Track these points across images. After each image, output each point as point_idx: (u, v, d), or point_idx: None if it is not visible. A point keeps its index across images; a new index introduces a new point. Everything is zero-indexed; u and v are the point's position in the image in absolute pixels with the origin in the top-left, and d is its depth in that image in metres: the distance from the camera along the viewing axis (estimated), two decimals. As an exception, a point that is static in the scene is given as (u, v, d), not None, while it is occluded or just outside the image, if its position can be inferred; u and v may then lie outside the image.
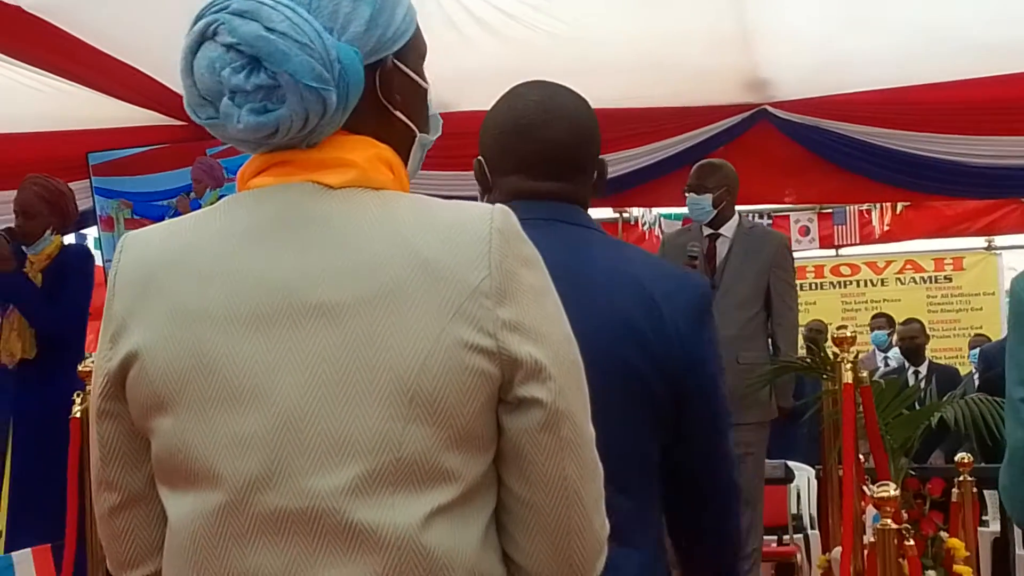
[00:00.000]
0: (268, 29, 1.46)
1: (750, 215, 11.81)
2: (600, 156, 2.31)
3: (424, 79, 1.65)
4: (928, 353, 10.68)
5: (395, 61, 1.58)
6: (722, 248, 6.24)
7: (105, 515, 1.61)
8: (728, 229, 6.29)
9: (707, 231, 6.29)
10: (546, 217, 2.12)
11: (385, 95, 1.57)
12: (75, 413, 4.51)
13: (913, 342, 10.14)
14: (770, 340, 6.32)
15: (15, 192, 6.24)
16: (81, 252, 6.41)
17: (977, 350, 10.97)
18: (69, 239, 6.35)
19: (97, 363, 1.55)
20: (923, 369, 9.99)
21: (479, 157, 2.28)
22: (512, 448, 1.47)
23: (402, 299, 1.42)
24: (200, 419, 1.44)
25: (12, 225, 6.02)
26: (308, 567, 1.41)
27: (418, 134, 1.63)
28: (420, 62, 1.65)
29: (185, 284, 1.47)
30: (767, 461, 7.02)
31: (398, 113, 1.59)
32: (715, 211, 6.21)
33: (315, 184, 1.50)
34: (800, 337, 9.59)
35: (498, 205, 1.51)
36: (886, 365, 10.55)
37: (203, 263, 1.48)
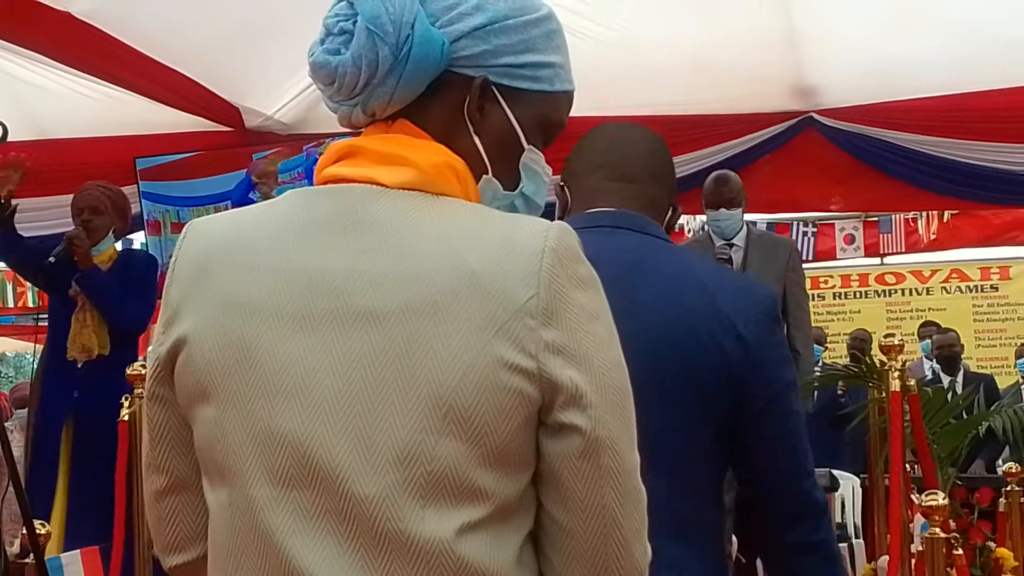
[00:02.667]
0: None
1: (795, 223, 11.81)
2: (674, 190, 2.40)
3: (528, 139, 1.61)
4: (974, 363, 10.59)
5: (493, 86, 1.57)
6: (736, 257, 6.26)
7: (152, 497, 1.63)
8: (740, 239, 6.31)
9: (719, 241, 6.31)
10: (616, 224, 2.17)
11: (468, 109, 1.56)
12: (123, 416, 4.54)
13: (951, 350, 10.07)
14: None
15: (65, 197, 6.29)
16: (147, 256, 6.50)
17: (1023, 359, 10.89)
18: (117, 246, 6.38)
19: (151, 348, 1.57)
20: (960, 378, 9.92)
21: (561, 182, 2.34)
22: (550, 472, 1.45)
23: (446, 311, 1.40)
24: (238, 412, 1.44)
25: (83, 222, 6.00)
26: (342, 568, 1.40)
27: (489, 173, 1.59)
28: (536, 122, 1.62)
29: (237, 275, 1.48)
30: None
31: (475, 137, 1.57)
32: (743, 222, 6.24)
33: (372, 185, 1.49)
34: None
35: (558, 222, 1.48)
36: (933, 373, 10.48)
37: (257, 256, 1.48)
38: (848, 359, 8.95)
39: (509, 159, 1.60)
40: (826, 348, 11.55)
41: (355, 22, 1.51)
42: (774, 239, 6.81)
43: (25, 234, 6.22)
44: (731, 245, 6.26)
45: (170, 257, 1.60)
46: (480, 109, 1.56)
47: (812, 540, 2.23)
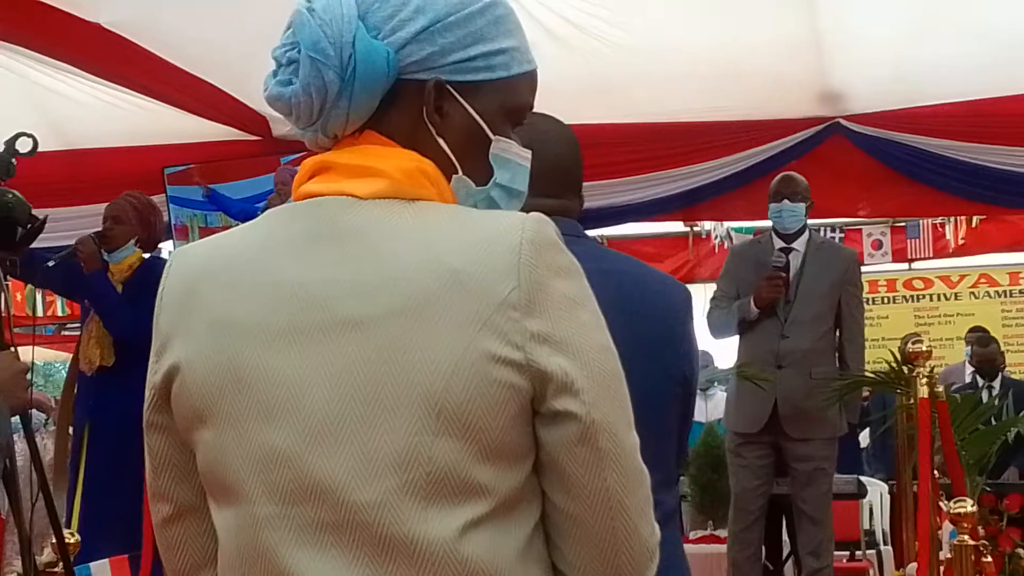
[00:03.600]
0: (309, 8, 1.52)
1: (821, 229, 11.77)
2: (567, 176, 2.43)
3: (494, 129, 1.60)
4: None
5: (449, 86, 1.55)
6: (795, 262, 6.23)
7: (159, 526, 1.64)
8: (800, 243, 6.28)
9: (779, 243, 6.27)
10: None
11: (427, 114, 1.55)
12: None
13: (992, 364, 10.03)
14: (838, 356, 6.29)
15: (93, 207, 6.33)
16: (163, 265, 6.49)
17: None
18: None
19: (148, 378, 1.57)
20: (996, 384, 9.86)
21: None
22: (550, 461, 1.46)
23: (430, 312, 1.41)
24: (235, 432, 1.45)
25: (100, 230, 6.05)
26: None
27: (458, 173, 1.58)
28: (499, 110, 1.61)
29: (222, 296, 1.49)
30: (839, 476, 6.98)
31: (439, 139, 1.56)
32: (805, 221, 6.21)
33: (347, 197, 1.50)
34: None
35: (534, 213, 1.49)
36: (975, 379, 10.43)
37: (240, 276, 1.50)
38: (886, 364, 8.89)
39: (478, 153, 1.60)
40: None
41: (299, 50, 1.52)
42: (836, 248, 6.81)
43: (54, 244, 6.26)
44: (791, 250, 6.24)
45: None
46: (439, 111, 1.56)
47: None
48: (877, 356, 7.21)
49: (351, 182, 1.51)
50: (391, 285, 1.43)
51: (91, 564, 4.50)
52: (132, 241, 6.06)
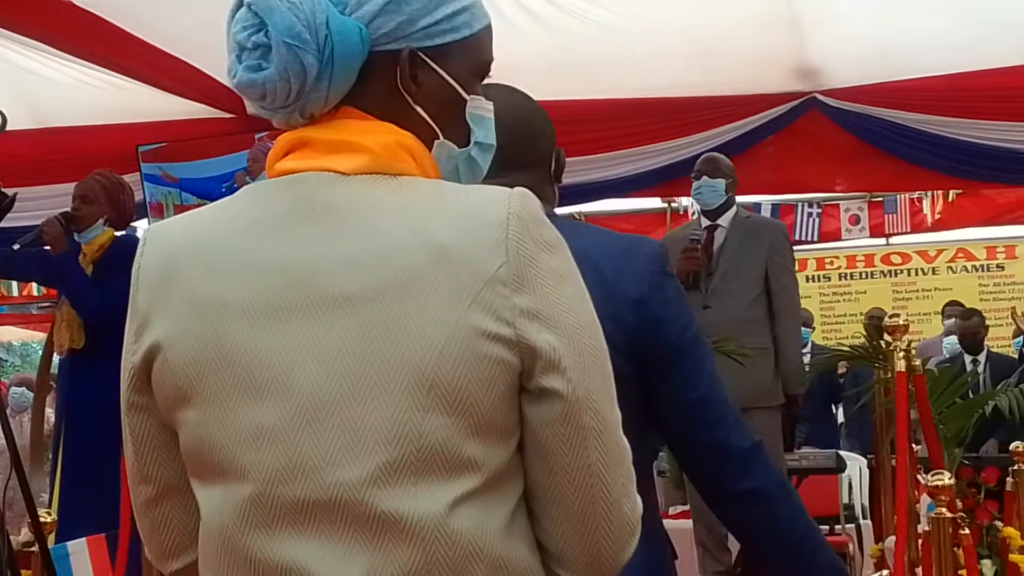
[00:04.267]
0: None
1: (799, 204, 11.79)
2: (554, 148, 2.35)
3: (467, 88, 1.60)
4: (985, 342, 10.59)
5: (421, 54, 1.55)
6: (719, 237, 6.33)
7: (142, 507, 1.62)
8: (725, 219, 6.39)
9: (705, 222, 6.36)
10: None
11: (403, 84, 1.54)
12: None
13: (975, 338, 10.07)
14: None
15: (67, 185, 6.28)
16: (134, 243, 6.43)
17: (1021, 338, 10.88)
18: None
19: (124, 357, 1.55)
20: (981, 358, 9.91)
21: None
22: (534, 438, 1.46)
23: (418, 287, 1.40)
24: (221, 412, 1.44)
25: (68, 210, 6.01)
26: (336, 557, 1.40)
27: (440, 139, 1.58)
28: (468, 69, 1.61)
29: (204, 276, 1.47)
30: (818, 450, 7.00)
31: (417, 108, 1.56)
32: (726, 197, 6.28)
33: (328, 173, 1.49)
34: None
35: (518, 188, 1.49)
36: (951, 353, 10.48)
37: (222, 255, 1.48)
38: (863, 339, 8.91)
39: (457, 116, 1.60)
40: (813, 329, 11.55)
41: (266, 33, 1.49)
42: (760, 222, 6.87)
43: (28, 224, 6.22)
44: (716, 226, 6.32)
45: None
46: (414, 79, 1.55)
47: (738, 489, 2.20)
48: (855, 331, 7.25)
49: (332, 158, 1.50)
50: (378, 261, 1.42)
51: (68, 543, 4.48)
52: (101, 220, 6.00)
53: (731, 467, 2.19)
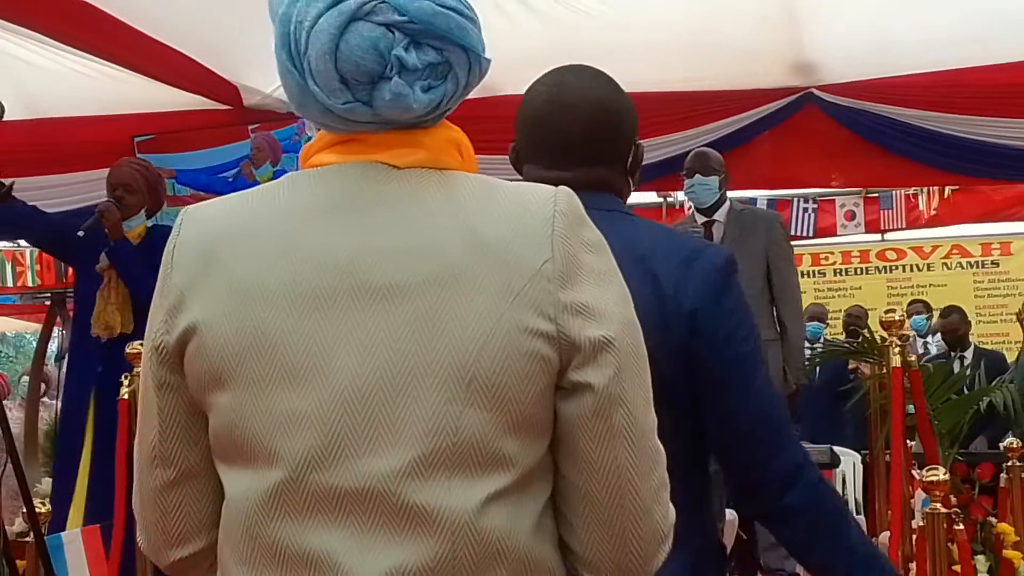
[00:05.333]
0: (440, 6, 1.47)
1: (795, 199, 11.80)
2: (633, 141, 2.30)
3: None
4: (974, 339, 10.58)
5: None
6: (717, 233, 6.31)
7: (157, 491, 1.59)
8: (721, 214, 6.38)
9: (701, 219, 6.33)
10: None
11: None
12: (123, 395, 4.53)
13: (955, 334, 10.05)
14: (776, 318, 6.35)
15: (62, 176, 6.24)
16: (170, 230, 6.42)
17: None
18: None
19: (153, 336, 1.54)
20: (968, 354, 9.91)
21: (513, 144, 2.29)
22: (565, 434, 1.46)
23: (463, 282, 1.41)
24: (257, 396, 1.43)
25: (113, 198, 5.96)
26: (363, 546, 1.40)
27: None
28: None
29: (246, 260, 1.47)
30: (812, 445, 7.00)
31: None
32: (719, 194, 6.25)
33: (381, 164, 1.49)
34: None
35: (562, 187, 1.50)
36: (925, 350, 10.47)
37: (265, 240, 1.47)
38: (844, 336, 8.91)
39: None
40: (827, 325, 11.54)
41: (437, 51, 1.48)
42: (757, 214, 6.85)
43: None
44: (713, 222, 6.30)
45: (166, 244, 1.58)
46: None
47: (780, 506, 2.14)
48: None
49: (387, 153, 1.50)
50: (423, 253, 1.43)
51: (62, 534, 4.48)
52: (143, 210, 6.01)
53: (777, 486, 2.14)
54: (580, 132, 2.20)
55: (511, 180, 1.59)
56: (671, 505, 1.53)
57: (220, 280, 1.48)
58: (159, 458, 1.57)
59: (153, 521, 1.61)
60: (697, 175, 6.32)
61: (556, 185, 1.71)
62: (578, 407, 1.44)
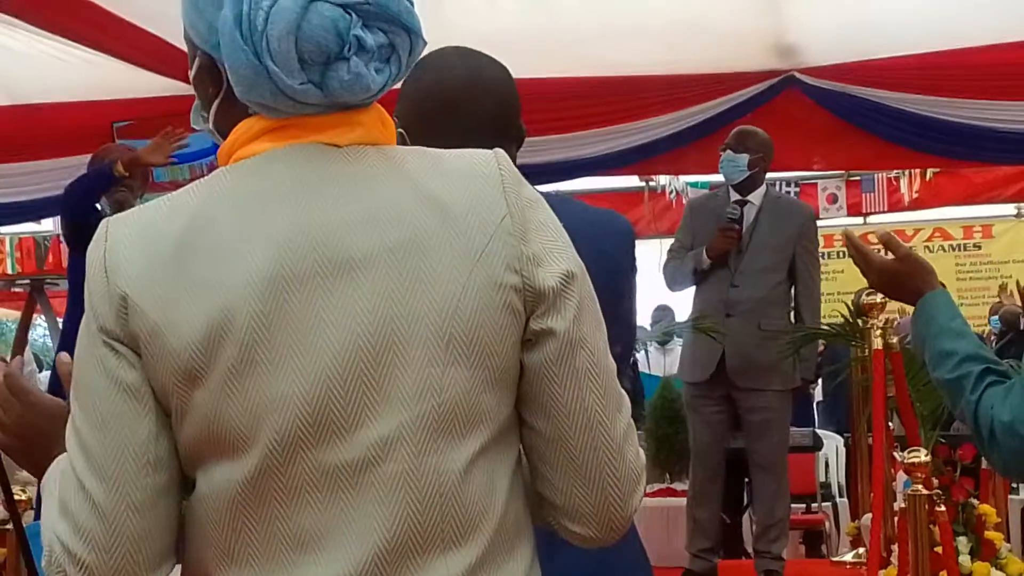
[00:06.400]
0: None
1: (777, 183, 11.80)
2: (520, 123, 2.38)
3: None
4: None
5: None
6: (749, 214, 6.23)
7: (149, 502, 1.46)
8: (756, 197, 6.29)
9: (735, 196, 6.27)
10: None
11: None
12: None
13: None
14: (793, 310, 6.32)
15: (40, 162, 6.21)
16: None
17: (996, 317, 10.91)
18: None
19: (96, 342, 1.46)
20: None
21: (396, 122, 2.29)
22: (532, 385, 1.49)
23: (428, 245, 1.43)
24: (235, 387, 1.41)
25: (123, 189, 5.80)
26: (354, 521, 1.41)
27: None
28: None
29: (202, 256, 1.43)
30: (795, 429, 7.03)
31: None
32: (748, 172, 6.19)
33: (323, 144, 1.49)
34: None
35: (496, 149, 1.55)
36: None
37: (217, 232, 1.44)
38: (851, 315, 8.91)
39: None
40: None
41: (385, 33, 1.49)
42: (792, 205, 6.82)
43: (2, 201, 6.16)
44: (746, 203, 6.24)
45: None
46: None
47: None
48: (832, 310, 7.24)
49: (326, 133, 1.51)
50: (384, 223, 1.44)
51: (40, 521, 4.46)
52: (139, 197, 5.94)
53: None
54: (501, 115, 2.31)
55: None
56: (640, 449, 1.56)
57: (176, 280, 1.43)
58: (149, 464, 1.46)
59: (133, 537, 1.46)
60: (728, 151, 6.25)
61: None
62: (543, 354, 1.47)
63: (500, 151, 1.54)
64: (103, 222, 1.52)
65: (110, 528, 1.45)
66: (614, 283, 2.17)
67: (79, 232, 5.65)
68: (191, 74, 1.61)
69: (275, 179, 1.47)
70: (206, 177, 1.55)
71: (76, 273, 6.00)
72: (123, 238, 1.48)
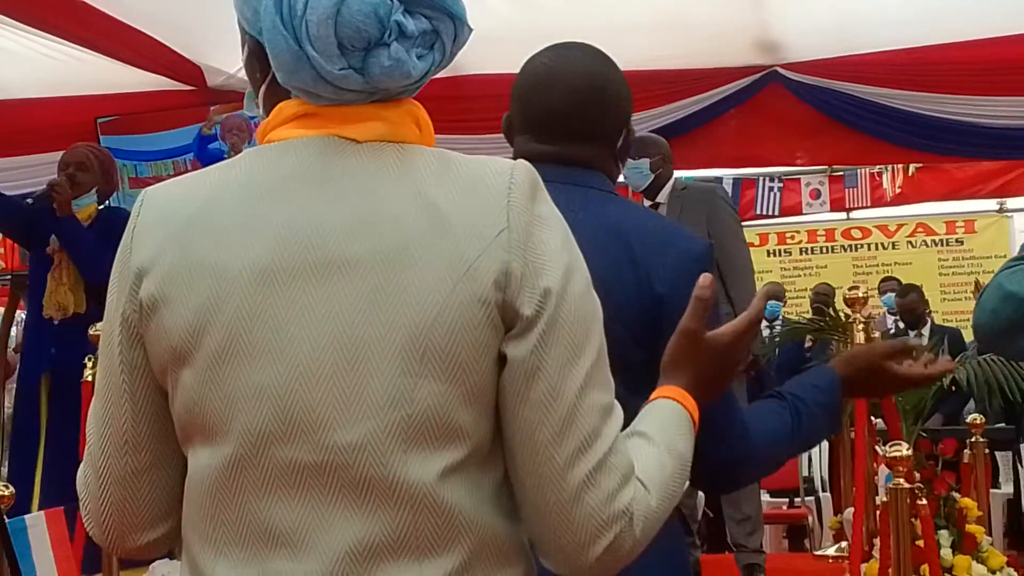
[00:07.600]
0: None
1: (761, 178, 11.83)
2: (626, 123, 2.30)
3: None
4: (940, 317, 10.60)
5: None
6: (662, 213, 6.24)
7: (124, 478, 1.55)
8: (663, 195, 6.28)
9: (646, 202, 6.29)
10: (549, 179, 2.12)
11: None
12: (87, 377, 4.51)
13: (913, 313, 10.10)
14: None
15: (23, 158, 6.20)
16: (125, 214, 6.39)
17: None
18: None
19: (116, 316, 1.52)
20: (926, 332, 9.96)
21: (507, 115, 2.31)
22: (499, 407, 1.45)
23: (417, 253, 1.41)
24: (216, 373, 1.43)
25: (65, 175, 5.91)
26: (325, 520, 1.41)
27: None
28: None
29: (206, 238, 1.46)
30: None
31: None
32: (652, 176, 6.19)
33: (339, 138, 1.49)
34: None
35: (520, 160, 1.50)
36: (896, 328, 10.53)
37: (223, 217, 1.47)
38: (812, 313, 8.95)
39: None
40: (784, 303, 11.55)
41: (428, 20, 1.49)
42: (694, 192, 6.67)
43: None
44: (657, 204, 6.22)
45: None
46: None
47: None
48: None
49: (346, 127, 1.50)
50: (377, 227, 1.43)
51: (26, 516, 4.45)
52: (93, 190, 5.97)
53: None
54: (568, 107, 2.22)
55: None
56: (624, 491, 1.45)
57: (180, 258, 1.47)
58: (130, 444, 1.54)
59: (118, 506, 1.57)
60: (629, 160, 6.22)
61: (540, 159, 1.69)
62: (504, 378, 1.44)
63: (523, 163, 1.49)
64: (141, 193, 1.58)
65: (94, 496, 1.59)
66: (657, 311, 2.05)
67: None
68: (242, 59, 1.62)
69: (285, 172, 1.48)
70: (235, 157, 1.58)
71: (35, 270, 6.06)
72: (150, 214, 1.53)
